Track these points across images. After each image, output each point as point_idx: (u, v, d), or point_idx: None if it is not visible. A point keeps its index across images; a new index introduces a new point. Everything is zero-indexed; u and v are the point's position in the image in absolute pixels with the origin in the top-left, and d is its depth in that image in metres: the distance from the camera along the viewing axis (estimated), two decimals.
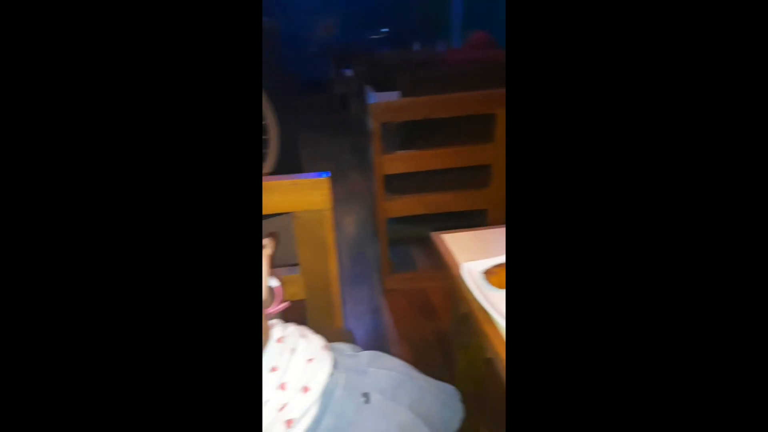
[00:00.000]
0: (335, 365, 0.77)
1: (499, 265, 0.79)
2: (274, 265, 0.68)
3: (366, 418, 0.74)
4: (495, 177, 1.64)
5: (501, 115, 1.52)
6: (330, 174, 0.80)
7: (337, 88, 3.67)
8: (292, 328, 0.71)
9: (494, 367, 0.67)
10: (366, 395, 0.77)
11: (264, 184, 0.76)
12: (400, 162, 1.57)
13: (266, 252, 0.67)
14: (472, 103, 1.50)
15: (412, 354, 1.55)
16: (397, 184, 1.72)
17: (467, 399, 0.86)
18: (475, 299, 0.73)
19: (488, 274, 0.77)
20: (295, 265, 0.91)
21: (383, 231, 1.71)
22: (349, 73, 3.16)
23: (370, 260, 1.99)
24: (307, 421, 0.64)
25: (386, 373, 0.88)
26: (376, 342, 1.62)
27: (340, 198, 2.63)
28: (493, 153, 1.59)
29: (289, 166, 1.70)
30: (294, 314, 0.75)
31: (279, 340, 0.65)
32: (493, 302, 0.72)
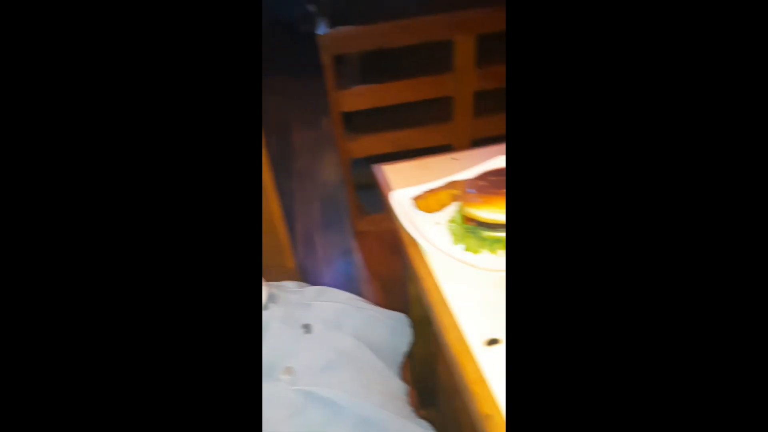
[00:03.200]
0: (274, 300, 0.77)
1: (429, 191, 0.78)
2: None
3: (305, 347, 0.75)
4: (457, 110, 1.59)
5: (460, 41, 1.45)
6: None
7: (302, 27, 3.48)
8: None
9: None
10: (307, 326, 0.77)
11: None
12: (357, 98, 1.51)
13: None
14: (429, 29, 1.42)
15: (383, 291, 1.58)
16: (360, 122, 1.67)
17: (420, 324, 0.87)
18: (403, 227, 0.72)
19: (417, 199, 0.76)
20: None
21: (348, 173, 1.68)
22: (312, 8, 2.99)
23: (341, 205, 1.98)
24: None
25: (331, 305, 0.89)
26: (348, 283, 1.64)
27: (309, 143, 2.59)
28: (453, 83, 1.53)
29: None
30: None
31: None
32: (418, 226, 0.71)
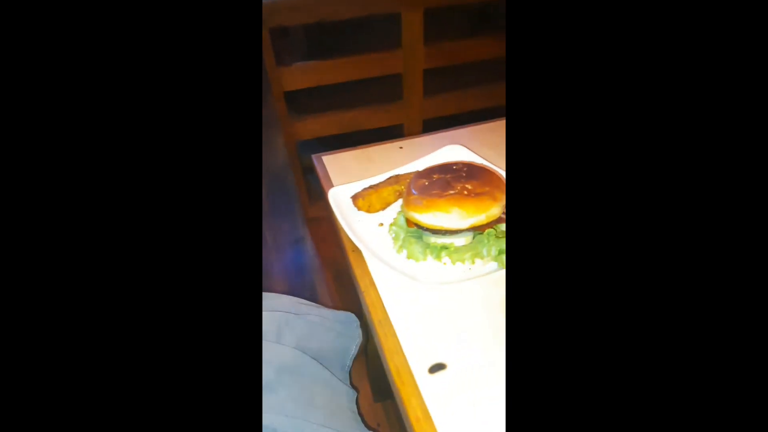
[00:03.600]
0: None
1: (371, 187, 0.71)
2: None
3: None
4: (407, 88, 1.51)
5: (407, 16, 1.36)
6: None
7: None
8: None
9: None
10: None
11: None
12: (299, 75, 1.40)
13: None
14: (375, 0, 1.31)
15: (336, 281, 1.51)
16: (307, 103, 1.56)
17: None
18: (342, 228, 0.65)
19: (355, 198, 0.69)
20: None
21: (294, 156, 1.58)
22: None
23: (290, 190, 1.87)
24: None
25: (270, 314, 0.81)
26: (299, 273, 1.57)
27: None
28: (402, 60, 1.45)
29: None
30: None
31: None
32: (359, 230, 0.64)
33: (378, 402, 1.14)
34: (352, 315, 0.92)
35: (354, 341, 0.90)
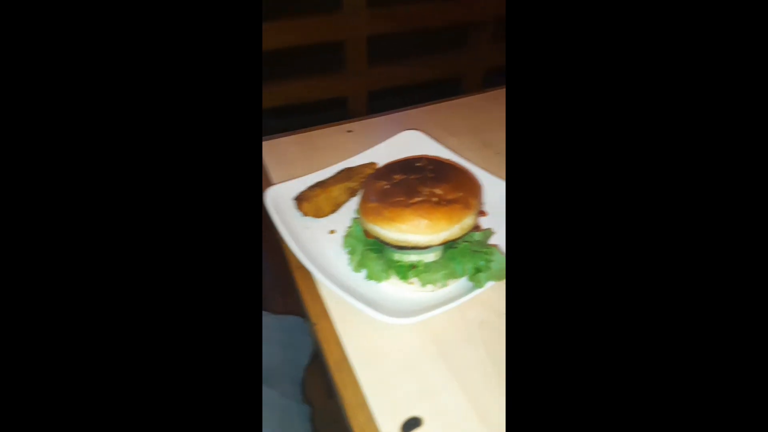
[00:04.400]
0: None
1: (318, 185, 0.59)
2: None
3: None
4: (350, 57, 1.36)
5: None
6: None
7: None
8: None
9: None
10: None
11: None
12: None
13: None
14: None
15: (281, 278, 1.39)
16: None
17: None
18: (280, 233, 0.54)
19: (300, 200, 0.57)
20: None
21: None
22: None
23: None
24: None
25: None
26: None
27: None
28: (344, 25, 1.30)
29: None
30: None
31: None
32: (305, 242, 0.53)
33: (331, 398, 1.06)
34: (300, 319, 0.82)
35: (304, 351, 0.81)
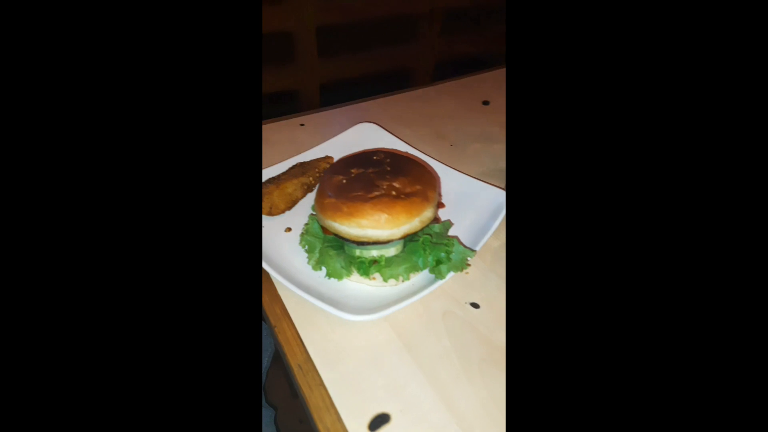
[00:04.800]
0: None
1: (271, 180, 0.57)
2: None
3: None
4: (299, 50, 1.33)
5: None
6: None
7: None
8: None
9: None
10: None
11: None
12: None
13: None
14: None
15: None
16: None
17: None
18: None
19: None
20: None
21: None
22: None
23: None
24: None
25: None
26: None
27: None
28: (290, 14, 1.25)
29: None
30: None
31: None
32: (261, 241, 0.51)
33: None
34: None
35: (265, 354, 0.78)
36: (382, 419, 0.38)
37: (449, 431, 0.38)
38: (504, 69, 0.99)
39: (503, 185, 0.60)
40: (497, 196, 0.57)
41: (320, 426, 0.38)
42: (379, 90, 0.90)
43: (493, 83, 0.95)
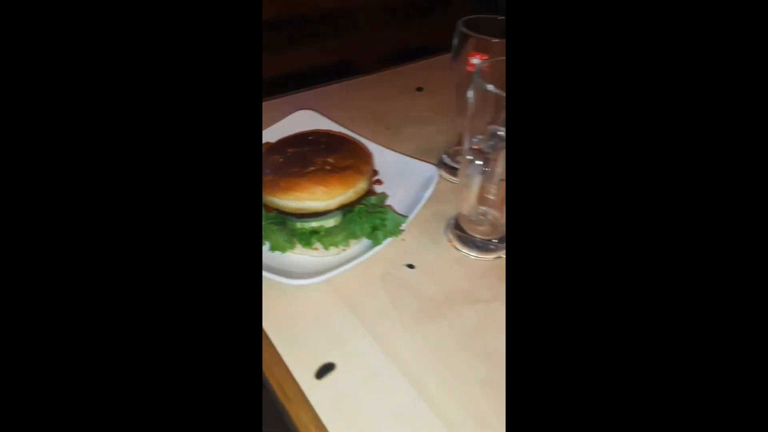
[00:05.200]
0: None
1: None
2: None
3: None
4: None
5: None
6: None
7: None
8: None
9: None
10: None
11: None
12: None
13: None
14: None
15: None
16: None
17: None
18: None
19: None
20: None
21: None
22: None
23: None
24: None
25: None
26: None
27: None
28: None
29: None
30: None
31: None
32: None
33: None
34: None
35: None
36: (327, 368, 0.42)
37: (388, 371, 0.42)
38: (437, 57, 1.05)
39: (435, 162, 0.66)
40: (428, 170, 0.62)
41: (271, 380, 0.42)
42: (322, 82, 0.93)
43: (427, 70, 1.01)
